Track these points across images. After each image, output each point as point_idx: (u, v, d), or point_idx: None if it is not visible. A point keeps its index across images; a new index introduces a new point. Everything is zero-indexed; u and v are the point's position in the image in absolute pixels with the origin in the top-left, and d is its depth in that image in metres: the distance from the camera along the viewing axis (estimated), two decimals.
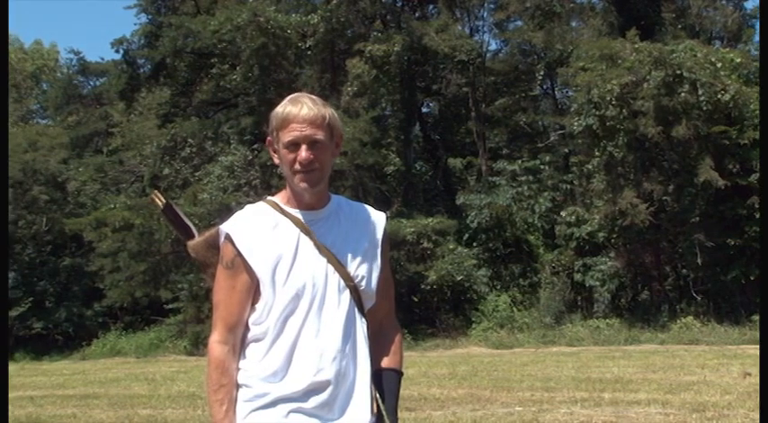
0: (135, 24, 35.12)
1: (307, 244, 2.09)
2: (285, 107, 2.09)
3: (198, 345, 21.54)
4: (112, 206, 23.82)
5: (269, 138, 2.17)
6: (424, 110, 29.37)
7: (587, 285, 20.67)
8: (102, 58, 32.29)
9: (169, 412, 9.38)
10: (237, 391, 2.07)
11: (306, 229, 2.10)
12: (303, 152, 2.06)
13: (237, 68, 23.50)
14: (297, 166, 2.07)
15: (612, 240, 20.47)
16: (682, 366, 12.13)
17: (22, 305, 24.54)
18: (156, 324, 24.68)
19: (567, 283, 20.99)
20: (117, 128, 29.72)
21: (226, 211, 20.09)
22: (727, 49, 19.46)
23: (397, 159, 23.26)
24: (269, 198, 2.19)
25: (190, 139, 24.91)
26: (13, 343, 24.79)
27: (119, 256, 22.76)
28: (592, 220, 20.36)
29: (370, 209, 2.25)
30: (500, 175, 22.77)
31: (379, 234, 2.21)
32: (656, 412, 7.72)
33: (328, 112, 2.11)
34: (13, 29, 68.09)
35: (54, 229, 26.06)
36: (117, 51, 28.08)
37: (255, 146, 22.39)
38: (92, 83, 33.83)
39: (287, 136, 2.07)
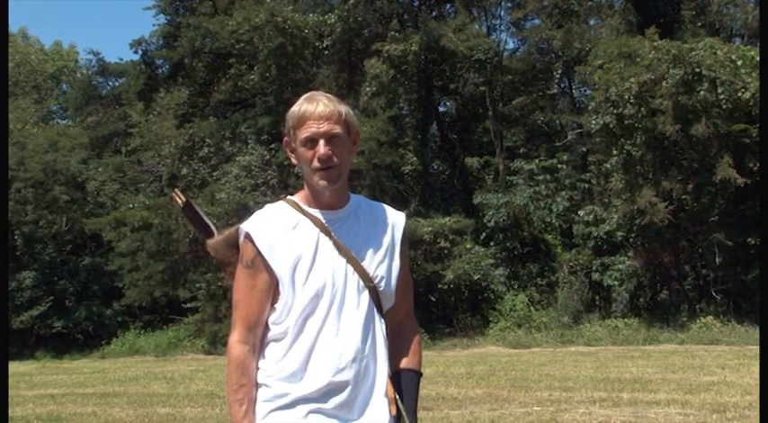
0: (153, 25, 35.44)
1: (326, 244, 2.09)
2: (301, 105, 2.10)
3: (216, 344, 21.64)
4: (131, 206, 23.98)
5: (285, 138, 2.18)
6: (441, 109, 29.33)
7: (605, 285, 20.54)
8: (121, 59, 32.56)
9: (188, 411, 9.44)
10: (257, 390, 2.08)
11: (325, 229, 2.10)
12: (321, 147, 2.06)
13: (255, 68, 23.60)
14: (316, 163, 2.07)
15: (631, 239, 20.34)
16: (701, 366, 12.04)
17: (43, 304, 24.76)
18: (175, 323, 24.82)
19: (584, 283, 20.87)
20: (135, 128, 29.91)
21: (243, 211, 20.20)
22: (748, 47, 19.26)
23: (415, 159, 23.26)
24: (289, 197, 2.20)
25: (208, 139, 25.01)
26: (34, 341, 25.05)
27: (137, 255, 22.91)
28: (610, 220, 20.23)
29: (389, 209, 2.25)
30: (517, 175, 22.69)
31: (399, 234, 2.20)
32: (676, 413, 7.67)
33: (344, 108, 2.12)
34: (34, 30, 68.80)
35: (74, 228, 26.26)
36: (136, 52, 28.34)
37: (273, 145, 22.46)
38: (111, 83, 34.07)
39: (304, 133, 2.07)
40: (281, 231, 2.10)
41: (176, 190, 2.56)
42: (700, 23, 22.53)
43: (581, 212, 21.12)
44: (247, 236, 2.11)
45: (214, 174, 24.07)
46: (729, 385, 9.50)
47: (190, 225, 2.45)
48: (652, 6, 21.53)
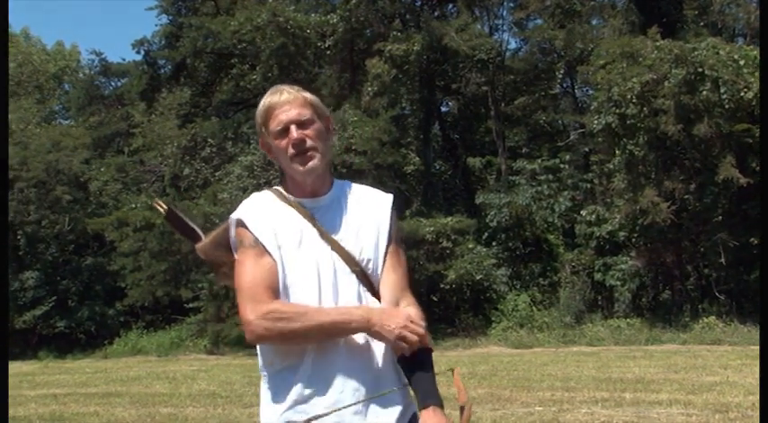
0: (156, 25, 35.49)
1: (310, 232, 2.08)
2: (265, 99, 2.12)
3: (218, 344, 21.66)
4: (133, 206, 23.98)
5: (261, 139, 2.19)
6: (444, 109, 29.32)
7: (608, 285, 20.52)
8: (124, 59, 32.57)
9: (190, 410, 9.45)
10: (264, 384, 2.07)
11: (309, 217, 2.09)
12: (294, 132, 2.06)
13: (257, 68, 23.60)
14: (291, 150, 2.07)
15: (633, 239, 20.32)
16: (704, 367, 12.03)
17: (46, 304, 24.76)
18: (177, 323, 24.83)
19: (587, 283, 20.85)
20: (138, 128, 29.92)
21: None
22: (751, 47, 19.24)
23: (417, 159, 23.24)
24: (274, 187, 2.20)
25: (210, 139, 25.03)
26: (37, 341, 25.05)
27: (140, 255, 22.92)
28: (612, 220, 20.22)
29: (375, 191, 2.23)
30: (519, 175, 22.67)
31: (386, 214, 2.17)
32: (678, 413, 7.66)
33: (308, 94, 2.13)
34: (36, 30, 68.89)
35: (76, 228, 26.27)
36: (138, 52, 28.37)
37: None
38: (113, 83, 34.10)
39: (274, 124, 2.09)
40: (268, 218, 2.09)
41: (157, 199, 2.56)
42: (702, 23, 22.52)
43: (583, 212, 21.11)
44: (240, 223, 2.11)
45: (216, 174, 24.09)
46: (732, 385, 9.49)
47: (176, 232, 2.43)
48: (654, 6, 21.52)
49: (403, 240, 2.26)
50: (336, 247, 2.06)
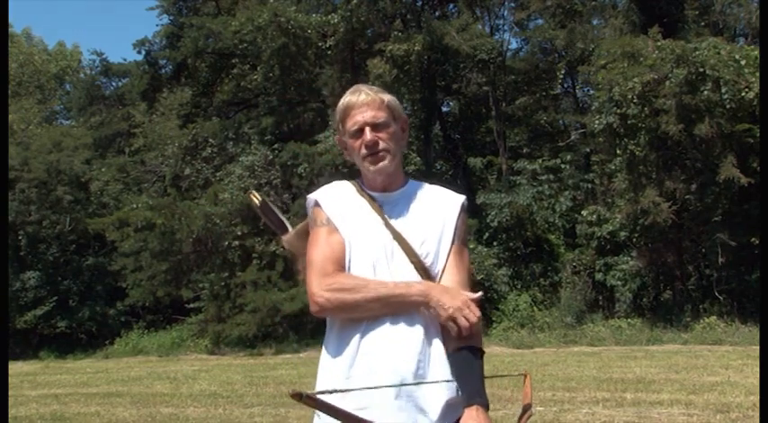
0: (156, 25, 35.58)
1: (376, 219, 2.15)
2: (345, 98, 2.21)
3: (219, 344, 21.65)
4: (134, 206, 23.99)
5: (338, 136, 2.28)
6: (444, 109, 29.30)
7: (609, 285, 20.52)
8: (125, 59, 32.63)
9: (191, 411, 9.45)
10: (320, 369, 2.11)
11: (377, 207, 2.17)
12: (368, 134, 2.14)
13: (258, 69, 23.60)
14: (363, 150, 2.15)
15: (634, 239, 20.31)
16: (705, 367, 12.02)
17: (47, 304, 24.79)
18: (178, 323, 24.84)
19: (588, 283, 20.85)
20: (139, 128, 29.95)
21: (247, 211, 20.19)
22: (752, 47, 19.21)
23: (418, 159, 23.24)
24: (353, 180, 2.29)
25: (211, 140, 25.04)
26: (38, 341, 25.08)
27: (141, 255, 22.94)
28: (613, 220, 20.22)
29: (447, 191, 2.29)
30: (520, 175, 22.66)
31: (453, 213, 2.21)
32: (679, 413, 7.66)
33: (387, 96, 2.21)
34: (37, 31, 68.94)
35: (77, 228, 26.28)
36: (139, 52, 28.38)
37: (276, 146, 22.46)
38: (114, 84, 34.12)
39: (350, 123, 2.17)
40: (342, 201, 2.19)
41: (253, 191, 2.70)
42: (703, 23, 22.50)
43: (584, 212, 21.11)
44: (316, 203, 2.20)
45: (217, 174, 24.10)
46: (733, 385, 9.48)
47: (267, 222, 2.57)
48: (655, 6, 21.49)
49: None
50: (398, 237, 2.13)
